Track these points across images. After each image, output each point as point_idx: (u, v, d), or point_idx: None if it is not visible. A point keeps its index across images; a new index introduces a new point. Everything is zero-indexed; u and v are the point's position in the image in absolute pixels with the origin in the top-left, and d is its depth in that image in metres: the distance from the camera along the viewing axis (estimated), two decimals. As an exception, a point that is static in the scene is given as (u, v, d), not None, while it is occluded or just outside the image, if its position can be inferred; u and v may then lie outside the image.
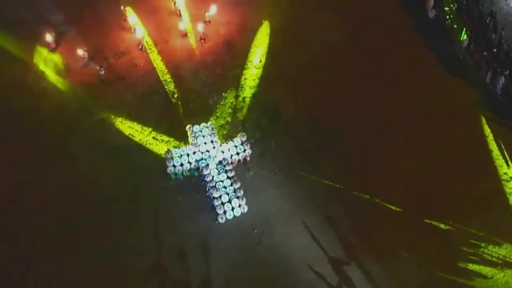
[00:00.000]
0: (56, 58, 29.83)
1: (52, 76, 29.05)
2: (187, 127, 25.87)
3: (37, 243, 23.33)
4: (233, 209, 23.70)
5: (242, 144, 25.38)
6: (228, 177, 24.42)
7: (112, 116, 27.49)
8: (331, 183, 25.13)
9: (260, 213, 24.23)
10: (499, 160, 25.67)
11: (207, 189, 24.39)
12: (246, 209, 23.83)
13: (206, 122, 26.16)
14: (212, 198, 23.94)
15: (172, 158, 24.91)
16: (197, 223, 23.93)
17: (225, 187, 24.17)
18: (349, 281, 22.19)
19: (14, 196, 24.65)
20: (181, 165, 24.92)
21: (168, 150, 25.20)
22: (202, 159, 24.92)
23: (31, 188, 24.95)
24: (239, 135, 25.69)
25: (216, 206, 23.65)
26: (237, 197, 23.87)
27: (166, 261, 22.87)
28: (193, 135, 25.37)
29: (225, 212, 23.61)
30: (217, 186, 24.14)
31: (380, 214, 24.19)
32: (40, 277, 22.44)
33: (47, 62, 29.76)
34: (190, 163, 24.99)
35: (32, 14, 31.24)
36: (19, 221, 23.91)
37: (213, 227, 23.77)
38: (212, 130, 25.64)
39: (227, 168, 24.60)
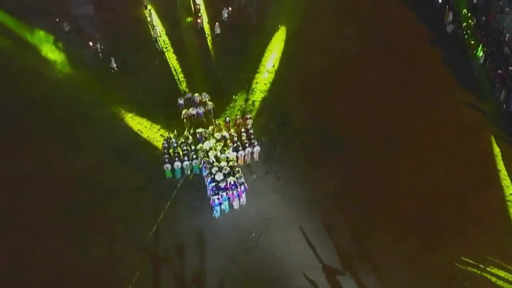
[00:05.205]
0: (73, 50, 30.42)
1: (67, 68, 29.62)
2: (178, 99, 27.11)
3: (40, 228, 23.67)
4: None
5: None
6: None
7: (123, 111, 27.92)
8: (333, 191, 25.04)
9: (260, 216, 24.29)
10: (506, 181, 25.20)
11: (204, 165, 24.78)
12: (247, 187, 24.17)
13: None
14: (208, 179, 24.20)
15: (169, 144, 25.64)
16: (195, 221, 24.09)
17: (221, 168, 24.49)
18: (342, 291, 22.07)
19: (20, 182, 25.12)
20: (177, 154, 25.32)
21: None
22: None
23: (37, 175, 25.42)
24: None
25: (211, 189, 23.90)
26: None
27: (162, 256, 22.99)
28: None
29: (219, 192, 23.81)
30: (214, 164, 24.52)
31: (380, 226, 23.95)
32: (42, 260, 22.65)
33: (64, 54, 30.39)
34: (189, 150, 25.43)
35: (54, 7, 31.95)
36: (24, 206, 24.35)
37: (211, 226, 23.93)
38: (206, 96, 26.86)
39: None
